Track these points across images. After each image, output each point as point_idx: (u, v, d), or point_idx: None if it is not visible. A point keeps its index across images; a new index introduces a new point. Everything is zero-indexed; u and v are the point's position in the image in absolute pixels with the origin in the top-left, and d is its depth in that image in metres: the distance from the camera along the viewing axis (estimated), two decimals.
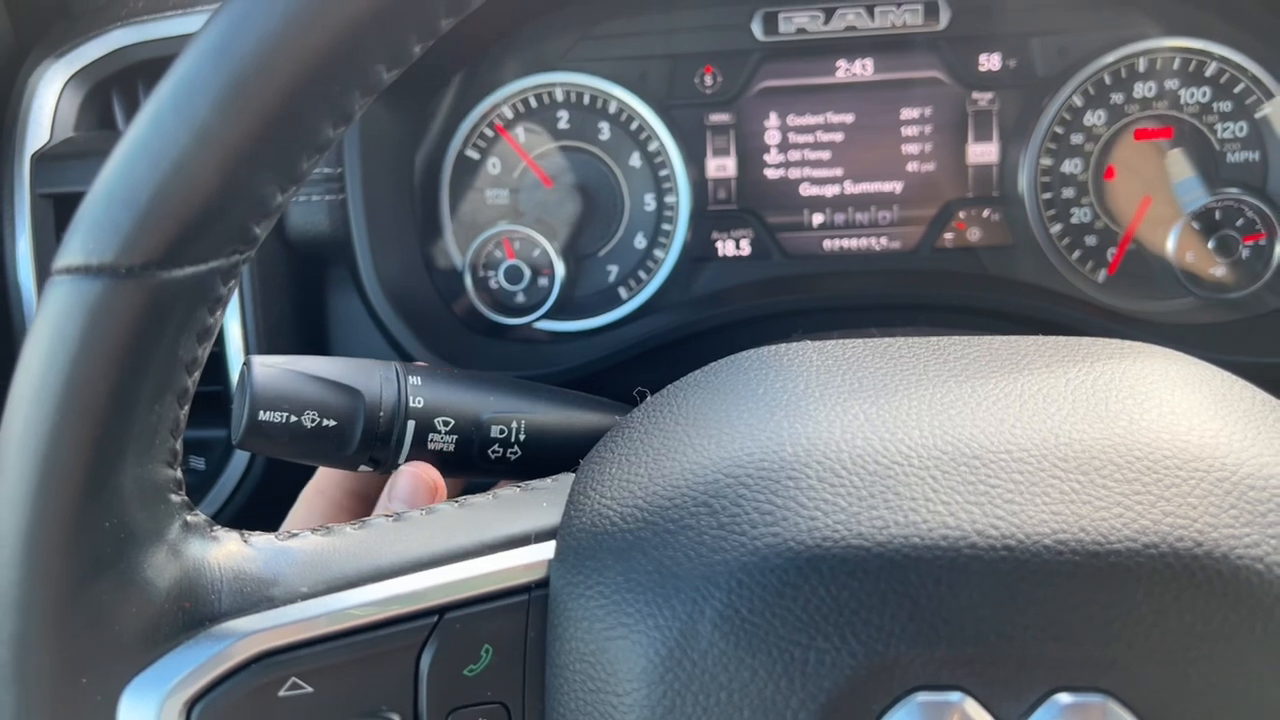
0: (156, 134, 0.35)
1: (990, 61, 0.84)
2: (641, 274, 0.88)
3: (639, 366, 0.84)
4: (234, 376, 0.79)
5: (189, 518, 0.40)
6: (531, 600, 0.41)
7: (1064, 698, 0.34)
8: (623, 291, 0.89)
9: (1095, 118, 0.84)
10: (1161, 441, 0.38)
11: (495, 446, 0.58)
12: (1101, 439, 0.38)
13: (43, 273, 0.79)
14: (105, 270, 0.35)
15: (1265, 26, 0.81)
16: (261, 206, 0.36)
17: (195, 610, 0.39)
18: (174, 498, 0.39)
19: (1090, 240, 0.85)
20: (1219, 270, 0.83)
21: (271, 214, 0.37)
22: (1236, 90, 0.83)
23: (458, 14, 0.36)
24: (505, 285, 0.87)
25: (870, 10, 0.84)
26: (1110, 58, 0.83)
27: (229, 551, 0.41)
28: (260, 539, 0.42)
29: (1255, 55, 0.82)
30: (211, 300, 0.37)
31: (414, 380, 0.57)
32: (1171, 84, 0.83)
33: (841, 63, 0.85)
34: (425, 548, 0.42)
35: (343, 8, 0.34)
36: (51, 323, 0.35)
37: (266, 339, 0.79)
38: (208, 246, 0.36)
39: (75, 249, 0.35)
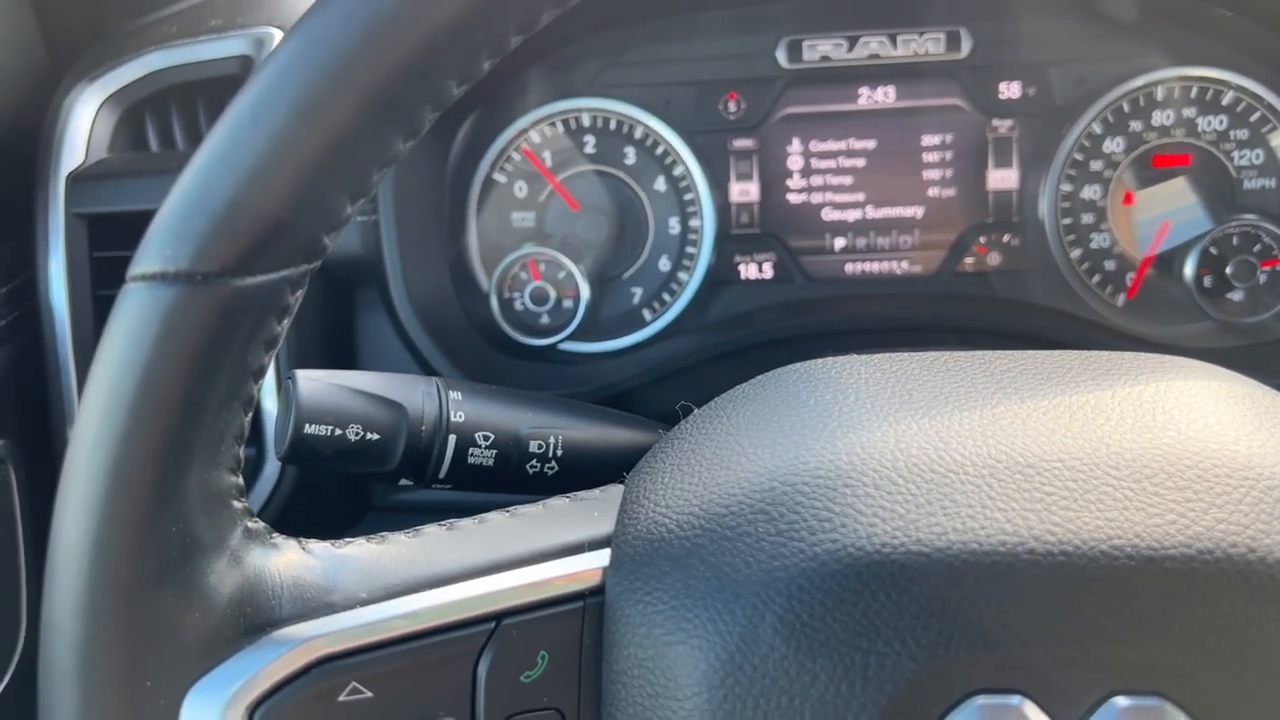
0: (234, 144, 0.35)
1: (1010, 90, 0.86)
2: (665, 296, 0.89)
3: (663, 388, 0.84)
4: (265, 395, 0.80)
5: (249, 524, 0.41)
6: (587, 607, 0.41)
7: (1121, 701, 0.35)
8: (646, 314, 0.90)
9: (1114, 145, 0.85)
10: (1210, 450, 0.38)
11: (534, 461, 0.59)
12: (1152, 448, 0.38)
13: (76, 292, 0.80)
14: (181, 277, 0.36)
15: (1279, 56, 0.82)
16: (331, 217, 0.37)
17: (256, 616, 0.40)
18: (236, 504, 0.40)
19: (1109, 265, 0.86)
20: (1237, 295, 0.84)
21: (340, 225, 0.38)
22: (1253, 119, 0.84)
23: (527, 31, 0.37)
24: (531, 306, 0.88)
25: (893, 39, 0.85)
26: (1128, 86, 0.85)
27: (288, 559, 0.41)
28: (318, 546, 0.42)
29: (1270, 84, 0.83)
30: (280, 309, 0.38)
31: (455, 395, 0.57)
32: (1188, 112, 0.85)
33: (864, 90, 0.87)
34: (480, 555, 0.42)
35: (422, 24, 0.35)
36: (126, 328, 0.36)
37: (296, 360, 0.80)
38: (280, 256, 0.37)
39: (152, 256, 0.36)
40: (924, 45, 0.85)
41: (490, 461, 0.58)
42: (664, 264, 0.90)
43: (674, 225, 0.89)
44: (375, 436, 0.55)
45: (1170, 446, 0.38)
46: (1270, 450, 0.39)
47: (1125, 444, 0.39)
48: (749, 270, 0.89)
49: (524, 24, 0.37)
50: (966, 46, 0.85)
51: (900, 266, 0.88)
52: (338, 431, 0.54)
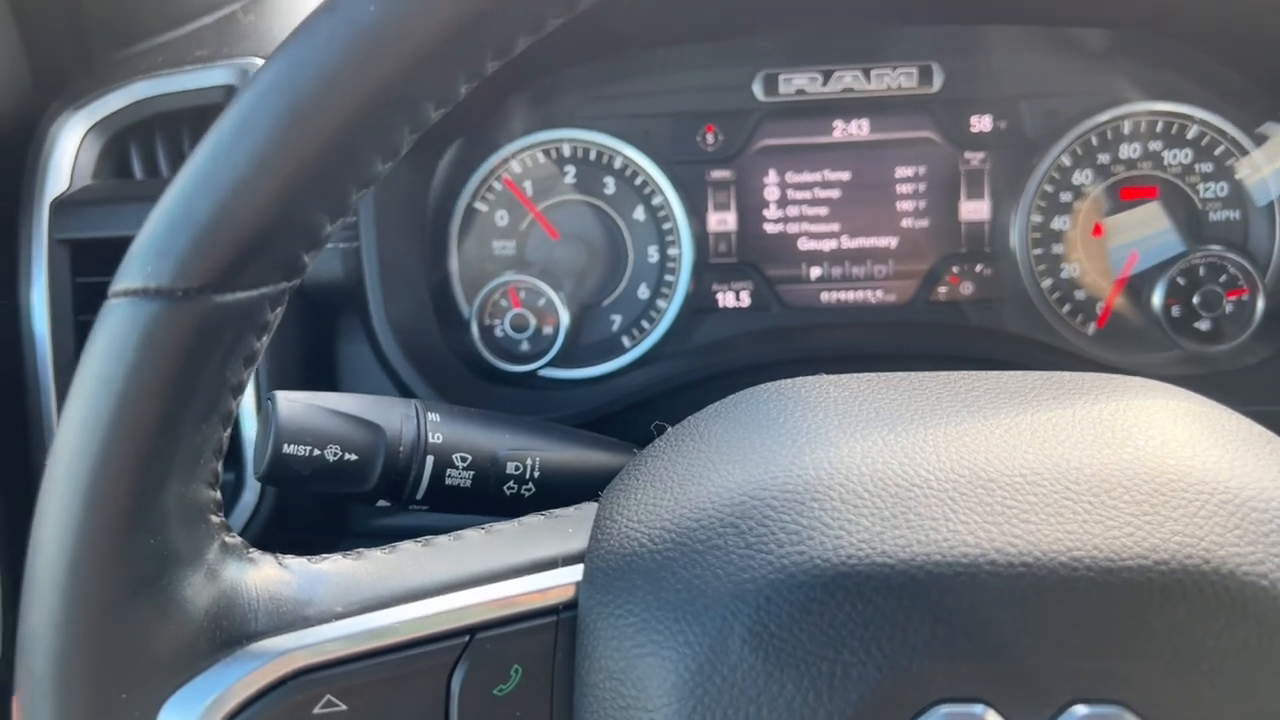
0: (216, 162, 0.36)
1: (982, 123, 0.88)
2: (644, 323, 0.90)
3: (641, 413, 0.85)
4: (244, 418, 0.80)
5: (226, 539, 0.41)
6: (560, 621, 0.42)
7: (1081, 709, 0.36)
8: (625, 341, 0.91)
9: (1083, 177, 0.87)
10: (1167, 466, 0.39)
11: (511, 483, 0.59)
12: (1110, 464, 0.39)
13: (57, 317, 0.80)
14: (162, 293, 0.36)
15: (1242, 92, 0.85)
16: (312, 235, 0.38)
17: (232, 629, 0.40)
18: (213, 518, 0.40)
19: (1079, 295, 0.88)
20: (1204, 325, 0.86)
21: (320, 244, 0.39)
22: (1216, 152, 0.86)
23: (504, 56, 0.38)
24: (511, 333, 0.89)
25: (866, 73, 0.87)
26: (1096, 120, 0.87)
27: (264, 573, 0.42)
28: (294, 561, 0.43)
29: (1234, 119, 0.85)
30: (259, 326, 0.39)
31: (433, 417, 0.58)
32: (1155, 145, 0.87)
33: (838, 123, 0.88)
34: (455, 570, 0.43)
35: (400, 47, 0.36)
36: (107, 343, 0.37)
37: (277, 386, 0.80)
38: (260, 272, 0.37)
39: (134, 272, 0.37)
40: (897, 79, 0.87)
41: (468, 483, 0.58)
42: (643, 292, 0.91)
43: (653, 254, 0.91)
44: (353, 457, 0.56)
45: (1128, 462, 0.39)
46: (1224, 465, 0.40)
47: (1085, 460, 0.40)
48: (727, 298, 0.91)
49: (500, 48, 0.38)
50: (938, 81, 0.87)
51: (875, 295, 0.90)
52: (316, 452, 0.55)
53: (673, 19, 0.84)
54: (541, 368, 0.89)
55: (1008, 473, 0.39)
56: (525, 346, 0.90)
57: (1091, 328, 0.88)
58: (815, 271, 0.90)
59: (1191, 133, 0.86)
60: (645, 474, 0.45)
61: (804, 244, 0.90)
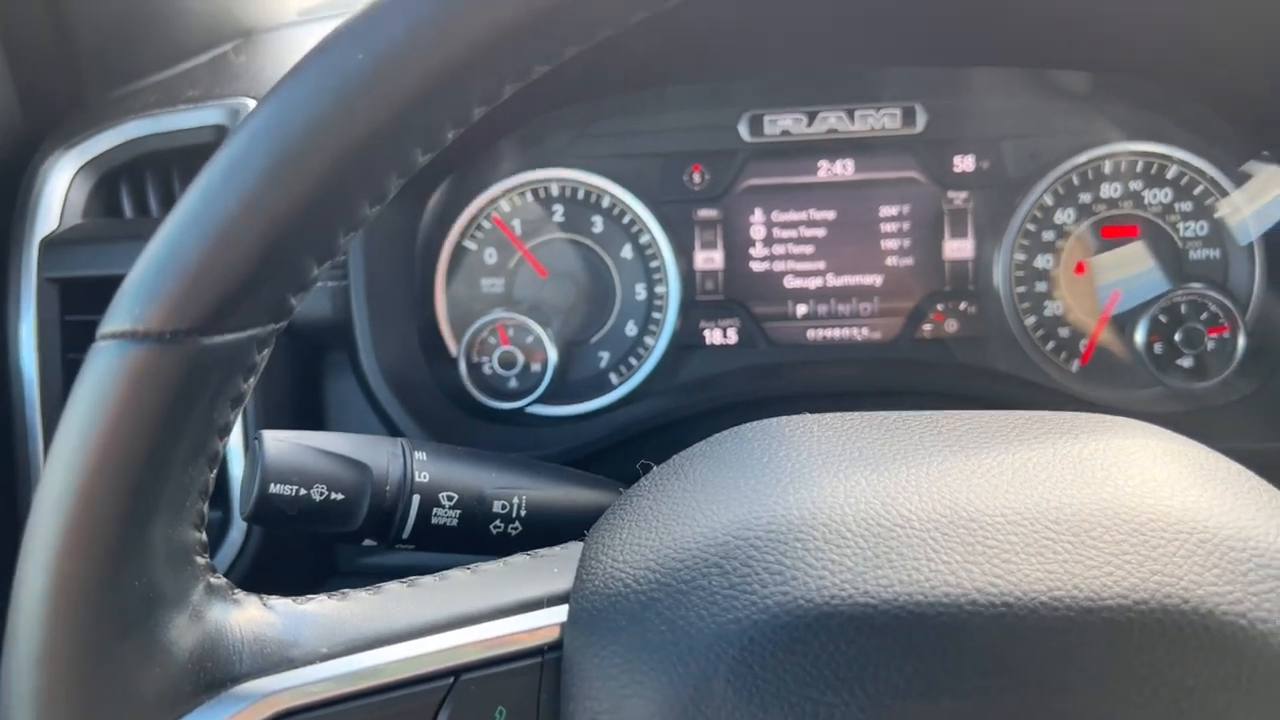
0: (204, 206, 0.37)
1: (964, 163, 0.89)
2: (632, 360, 0.91)
3: (629, 450, 0.86)
4: (231, 458, 0.80)
5: (212, 580, 0.41)
6: (545, 662, 0.42)
7: None
8: (613, 377, 0.91)
9: (1065, 216, 0.88)
10: (1146, 506, 0.40)
11: (497, 521, 0.60)
12: (1090, 504, 0.40)
13: (46, 355, 0.80)
14: (150, 336, 0.37)
15: (1220, 133, 0.86)
16: (299, 278, 0.39)
17: (217, 671, 0.40)
18: (199, 560, 0.41)
19: (1063, 332, 0.89)
20: (1186, 361, 0.86)
21: (307, 286, 0.39)
22: (1196, 192, 0.87)
23: (490, 103, 0.39)
24: (499, 370, 0.90)
25: (851, 114, 0.88)
26: (1077, 160, 0.88)
27: (249, 615, 0.42)
28: (279, 602, 0.43)
29: (1213, 159, 0.87)
30: (247, 368, 0.39)
31: (420, 456, 0.58)
32: (1135, 185, 0.88)
33: (823, 163, 0.90)
34: (440, 611, 0.43)
35: (388, 94, 0.36)
36: (94, 385, 0.37)
37: (265, 422, 0.80)
38: (248, 315, 0.38)
39: (122, 315, 0.37)
40: (880, 120, 0.88)
41: (454, 522, 0.58)
42: (631, 329, 0.91)
43: (641, 291, 0.91)
44: (340, 496, 0.56)
45: (1108, 502, 0.40)
46: (1203, 505, 0.40)
47: (1065, 500, 0.40)
48: (714, 335, 0.91)
49: (487, 96, 0.39)
50: (922, 121, 0.88)
51: (860, 333, 0.90)
52: (303, 491, 0.55)
53: (660, 61, 0.86)
54: (529, 405, 0.90)
55: (989, 513, 0.40)
56: (513, 383, 0.90)
57: (1076, 365, 0.89)
58: (801, 309, 0.91)
59: (1171, 172, 0.88)
60: (630, 514, 0.45)
61: (790, 282, 0.91)
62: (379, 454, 0.57)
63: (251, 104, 0.84)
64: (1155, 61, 0.85)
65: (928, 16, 0.82)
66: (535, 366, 0.89)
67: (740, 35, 0.82)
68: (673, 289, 0.91)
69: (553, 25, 0.37)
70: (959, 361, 0.89)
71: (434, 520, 0.58)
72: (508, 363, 0.89)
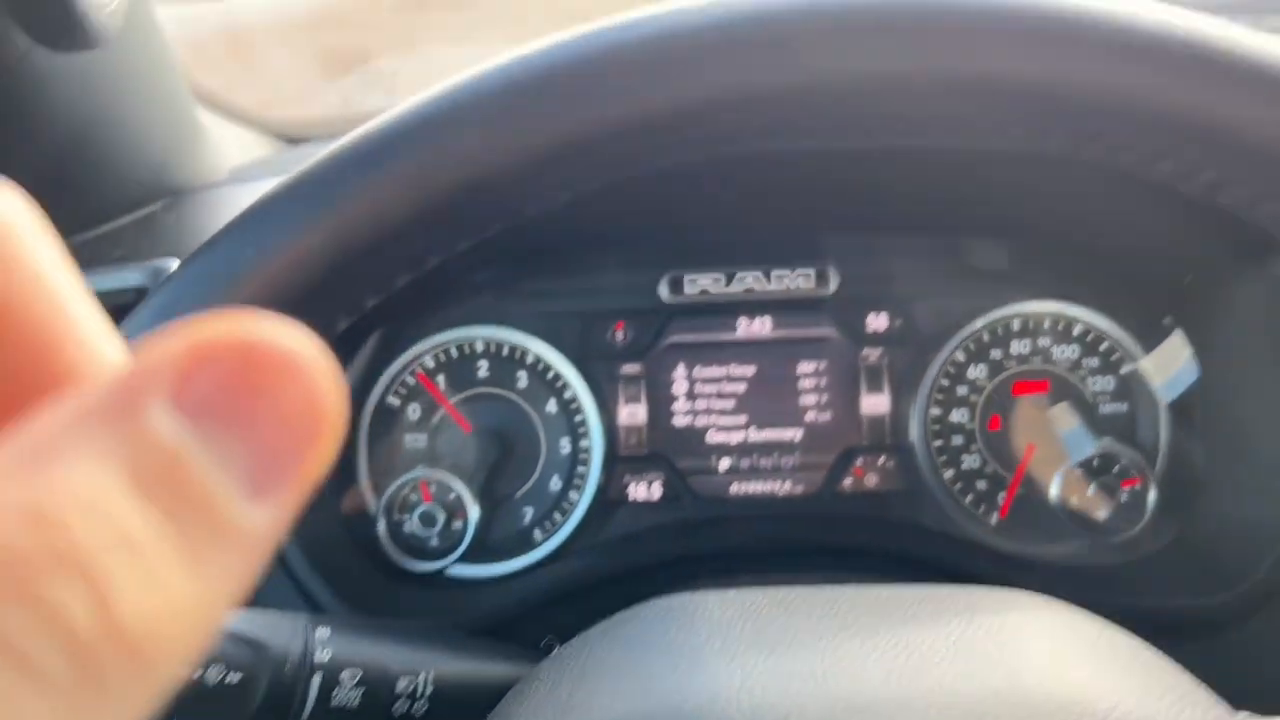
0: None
1: (878, 321, 0.91)
2: (556, 515, 0.90)
3: (554, 610, 0.84)
4: None
5: None
6: None
7: None
8: (537, 534, 0.90)
9: (977, 371, 0.91)
10: (1039, 688, 0.40)
11: (402, 700, 0.58)
12: (982, 689, 0.40)
13: None
14: None
15: (1121, 295, 0.90)
16: None
17: None
18: None
19: (981, 485, 0.90)
20: (1102, 513, 0.88)
21: None
22: (1102, 348, 0.91)
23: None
24: (419, 530, 0.88)
25: (767, 274, 0.91)
26: (987, 319, 0.91)
27: None
28: None
29: (1116, 318, 0.90)
30: None
31: (323, 632, 0.57)
32: (1044, 342, 0.91)
33: (742, 321, 0.92)
34: None
35: (296, 268, 0.37)
36: None
37: None
38: None
39: None
40: (795, 281, 0.91)
41: (355, 702, 0.57)
42: (555, 483, 0.91)
43: (565, 445, 0.91)
44: (236, 677, 0.54)
45: (999, 685, 0.40)
46: (1092, 684, 0.40)
47: (958, 685, 0.40)
48: (638, 490, 0.91)
49: (380, 288, 0.39)
50: (834, 282, 0.91)
51: (783, 487, 0.91)
52: (196, 672, 0.53)
53: (582, 228, 0.88)
54: (450, 565, 0.88)
55: (882, 699, 0.39)
56: (435, 542, 0.89)
57: (994, 518, 0.90)
58: (724, 463, 0.91)
59: (1077, 330, 0.91)
60: (529, 701, 0.44)
61: (713, 436, 0.92)
62: (279, 631, 0.56)
63: (174, 263, 0.84)
64: (1061, 231, 0.88)
65: (840, 184, 0.85)
66: (457, 524, 0.88)
67: (660, 204, 0.85)
68: (596, 443, 0.91)
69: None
70: (880, 515, 0.90)
71: (334, 702, 0.56)
72: (429, 520, 0.88)
